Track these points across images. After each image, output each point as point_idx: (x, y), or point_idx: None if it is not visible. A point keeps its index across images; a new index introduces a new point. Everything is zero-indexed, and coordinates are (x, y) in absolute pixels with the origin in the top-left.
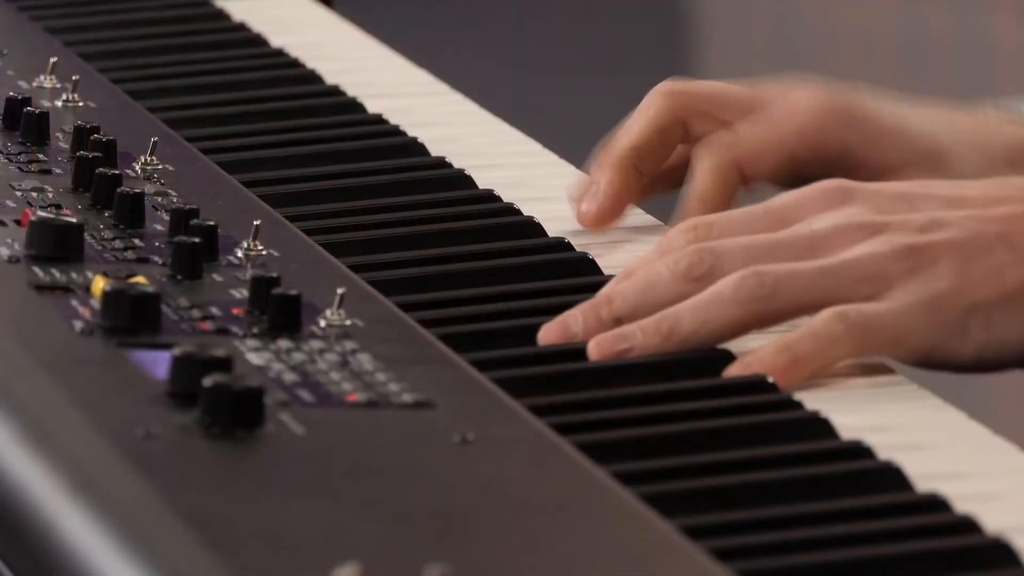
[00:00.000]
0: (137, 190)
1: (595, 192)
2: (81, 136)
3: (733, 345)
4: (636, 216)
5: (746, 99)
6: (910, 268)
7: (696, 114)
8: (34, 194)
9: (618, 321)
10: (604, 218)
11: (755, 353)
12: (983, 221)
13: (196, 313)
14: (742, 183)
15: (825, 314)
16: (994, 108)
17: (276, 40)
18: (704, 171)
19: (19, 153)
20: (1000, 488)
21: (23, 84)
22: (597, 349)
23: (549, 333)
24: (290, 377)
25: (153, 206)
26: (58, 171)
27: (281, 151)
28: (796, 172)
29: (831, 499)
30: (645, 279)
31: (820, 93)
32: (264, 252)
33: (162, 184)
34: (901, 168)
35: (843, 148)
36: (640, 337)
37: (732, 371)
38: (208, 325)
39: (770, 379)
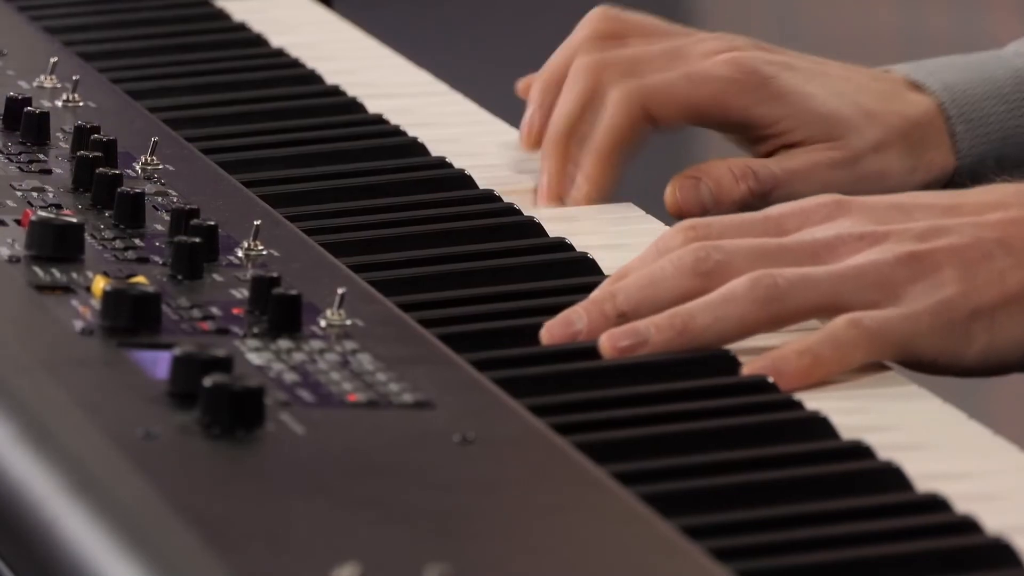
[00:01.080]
0: (137, 190)
1: (546, 176)
2: (81, 136)
3: (737, 347)
4: (637, 216)
5: (664, 59)
6: (913, 275)
7: (621, 77)
8: (34, 194)
9: (622, 317)
10: (556, 198)
11: (777, 352)
12: (981, 227)
13: (196, 313)
14: (650, 126)
15: (840, 320)
16: (905, 71)
17: (276, 40)
18: (615, 111)
19: (19, 153)
20: (1000, 488)
21: (23, 84)
22: (609, 343)
23: (552, 330)
24: (290, 377)
25: (153, 206)
26: (58, 171)
27: (281, 151)
28: (699, 125)
29: (831, 499)
30: (649, 275)
31: (738, 62)
32: (264, 252)
33: (162, 184)
34: (800, 142)
35: (747, 118)
36: (653, 333)
37: (752, 368)
38: (208, 325)
39: (770, 379)
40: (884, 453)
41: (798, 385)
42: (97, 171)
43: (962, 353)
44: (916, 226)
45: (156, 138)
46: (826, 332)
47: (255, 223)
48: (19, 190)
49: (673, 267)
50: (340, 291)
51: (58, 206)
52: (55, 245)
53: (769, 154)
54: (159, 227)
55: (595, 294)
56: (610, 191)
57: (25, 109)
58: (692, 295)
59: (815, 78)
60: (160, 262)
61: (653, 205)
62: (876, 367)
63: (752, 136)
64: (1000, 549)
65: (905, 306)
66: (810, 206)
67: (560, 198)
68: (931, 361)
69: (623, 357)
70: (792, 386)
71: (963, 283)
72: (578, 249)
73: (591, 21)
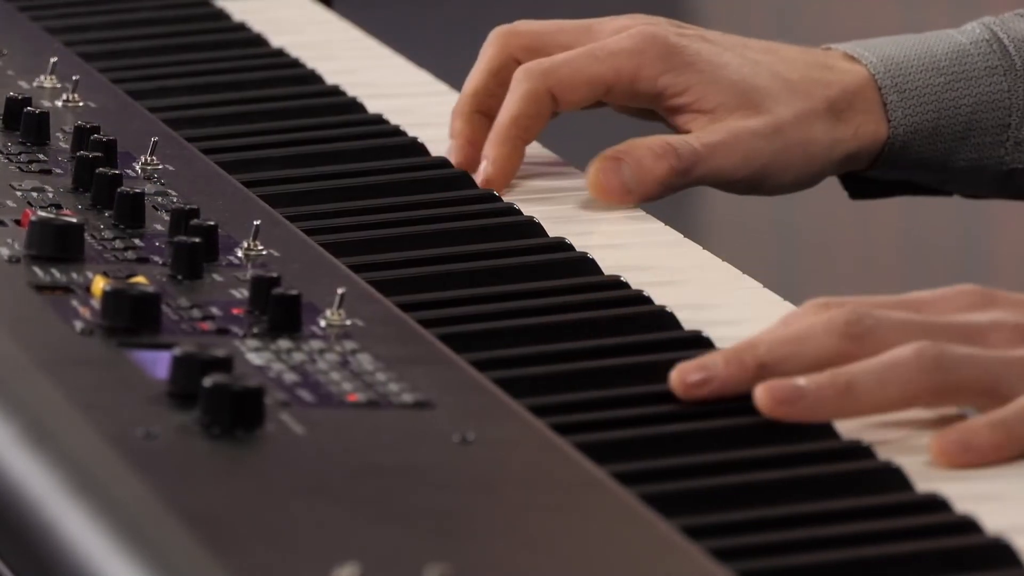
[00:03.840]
0: (137, 190)
1: (452, 147)
2: (81, 136)
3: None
4: (638, 216)
5: (575, 34)
6: None
7: (527, 52)
8: (34, 194)
9: (763, 368)
10: (467, 166)
11: (966, 425)
12: None
13: (196, 313)
14: (555, 108)
15: (1011, 409)
16: (845, 47)
17: (276, 40)
18: (519, 96)
19: (19, 153)
20: (1000, 488)
21: (23, 84)
22: (768, 395)
23: (685, 372)
24: (290, 377)
25: (153, 206)
26: (58, 171)
27: (281, 151)
28: (610, 101)
29: (831, 499)
30: (795, 332)
31: (644, 34)
32: (264, 252)
33: (162, 184)
34: (714, 109)
35: (656, 88)
36: (813, 389)
37: (942, 440)
38: (208, 325)
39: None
40: (884, 454)
41: (986, 460)
42: (97, 171)
43: None
44: None
45: (156, 138)
46: (996, 418)
47: (255, 223)
48: (19, 190)
49: (823, 326)
50: (340, 291)
51: (58, 206)
52: (55, 245)
53: (685, 126)
54: (159, 227)
55: (738, 344)
56: (513, 174)
57: (25, 109)
58: (839, 357)
59: (731, 50)
60: (160, 262)
61: (654, 205)
62: None
63: (664, 107)
64: (1000, 549)
65: None
66: (952, 293)
67: (470, 167)
68: None
69: (781, 415)
70: (979, 460)
71: None
72: (578, 249)
73: (494, 43)
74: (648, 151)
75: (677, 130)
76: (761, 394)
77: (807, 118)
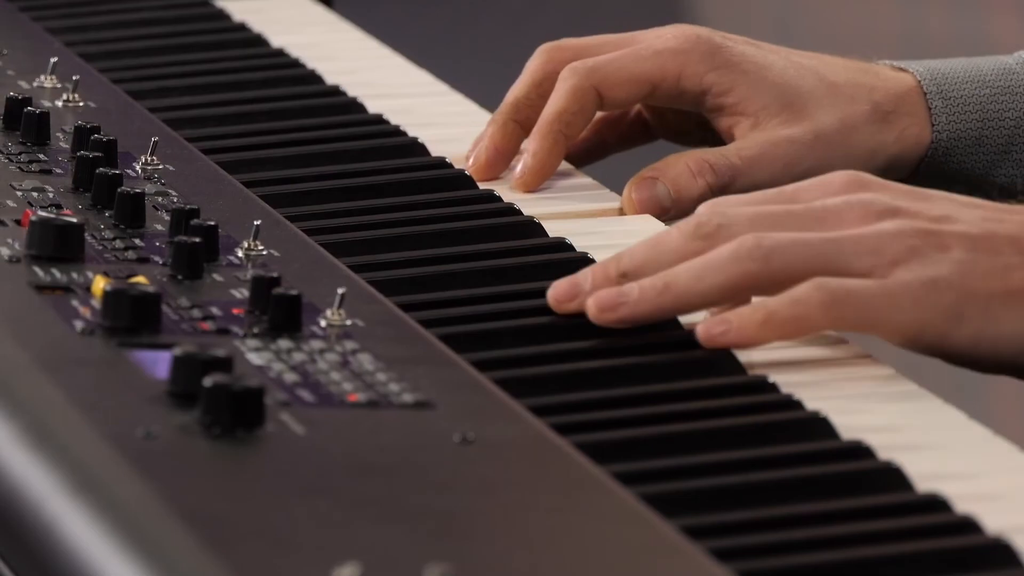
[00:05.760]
0: (137, 190)
1: (479, 147)
2: (81, 136)
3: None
4: (639, 216)
5: (618, 46)
6: (913, 249)
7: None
8: (34, 194)
9: (624, 276)
10: (488, 170)
11: (734, 310)
12: (996, 222)
13: (196, 313)
14: (600, 107)
15: (806, 282)
16: (891, 62)
17: (276, 40)
18: (564, 92)
19: (19, 153)
20: (1000, 488)
21: (23, 84)
22: (595, 304)
23: (558, 289)
24: (290, 377)
25: (153, 206)
26: (58, 171)
27: (281, 151)
28: (655, 102)
29: (831, 499)
30: (654, 238)
31: (688, 35)
32: (264, 252)
33: (162, 184)
34: (757, 112)
35: (701, 88)
36: (637, 293)
37: (707, 323)
38: (208, 325)
39: (705, 332)
40: (884, 453)
41: (749, 339)
42: (97, 171)
43: (949, 334)
44: (932, 208)
45: (156, 138)
46: (788, 292)
47: (255, 223)
48: (19, 190)
49: (677, 230)
50: (340, 291)
51: (58, 206)
52: (55, 245)
53: (727, 128)
54: (159, 227)
55: (603, 260)
56: (551, 170)
57: (25, 109)
58: (693, 257)
59: (775, 53)
60: (160, 262)
61: None
62: (876, 367)
63: (708, 106)
64: (1000, 549)
65: (890, 278)
66: (828, 179)
67: (492, 172)
68: (913, 337)
69: (610, 322)
70: (742, 339)
71: (962, 266)
72: (578, 249)
73: (539, 56)
74: (684, 170)
75: (719, 131)
76: (591, 307)
77: (850, 122)
